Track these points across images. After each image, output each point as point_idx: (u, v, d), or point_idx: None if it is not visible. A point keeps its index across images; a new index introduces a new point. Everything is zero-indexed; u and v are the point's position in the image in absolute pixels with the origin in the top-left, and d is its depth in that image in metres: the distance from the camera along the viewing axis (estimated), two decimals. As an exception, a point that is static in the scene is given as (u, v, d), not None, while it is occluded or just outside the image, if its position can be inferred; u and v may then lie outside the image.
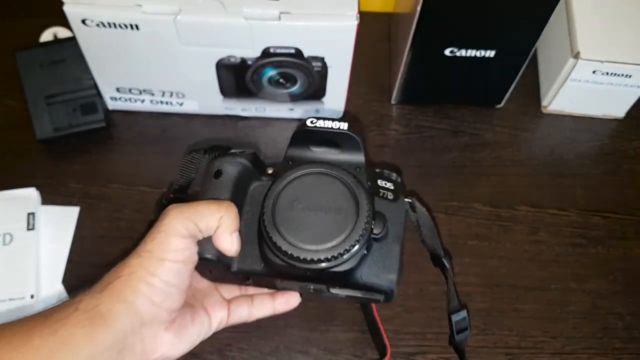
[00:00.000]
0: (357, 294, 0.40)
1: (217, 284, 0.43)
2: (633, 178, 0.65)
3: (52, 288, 0.56)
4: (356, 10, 0.52)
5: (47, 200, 0.60)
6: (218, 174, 0.40)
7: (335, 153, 0.40)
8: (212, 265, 0.39)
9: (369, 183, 0.40)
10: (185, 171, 0.43)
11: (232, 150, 0.42)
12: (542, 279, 0.59)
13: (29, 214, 0.58)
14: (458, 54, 0.59)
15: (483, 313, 0.57)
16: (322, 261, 0.36)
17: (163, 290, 0.35)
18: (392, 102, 0.68)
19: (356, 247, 0.37)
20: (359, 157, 0.40)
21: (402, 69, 0.62)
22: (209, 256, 0.39)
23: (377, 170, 0.42)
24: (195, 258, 0.37)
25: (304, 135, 0.39)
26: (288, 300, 0.43)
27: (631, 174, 0.65)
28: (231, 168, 0.40)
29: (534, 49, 0.59)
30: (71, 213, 0.60)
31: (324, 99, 0.62)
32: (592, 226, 0.62)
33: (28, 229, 0.58)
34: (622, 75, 0.61)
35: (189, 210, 0.37)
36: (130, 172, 0.62)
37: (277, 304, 0.43)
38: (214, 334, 0.45)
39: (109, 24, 0.52)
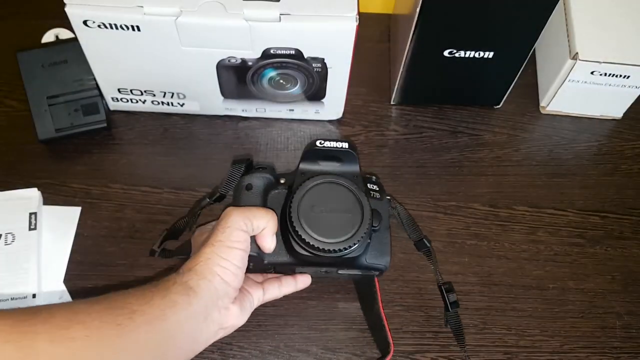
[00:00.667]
0: (359, 272, 0.52)
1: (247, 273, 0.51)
2: (631, 178, 0.66)
3: (53, 287, 0.57)
4: (356, 12, 0.52)
5: (48, 200, 0.61)
6: (249, 187, 0.50)
7: (337, 165, 0.50)
8: (253, 260, 0.49)
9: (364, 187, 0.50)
10: (230, 180, 0.52)
11: (257, 166, 0.52)
12: (540, 279, 0.60)
13: (30, 214, 0.59)
14: (457, 55, 0.59)
15: (482, 312, 0.58)
16: (340, 251, 0.47)
17: (231, 272, 0.44)
18: (392, 102, 0.68)
19: (363, 239, 0.47)
20: (355, 168, 0.50)
21: (401, 69, 0.62)
22: (252, 253, 0.48)
23: (366, 175, 0.52)
24: (249, 248, 0.47)
25: (314, 153, 0.50)
26: (305, 280, 0.54)
27: (629, 174, 0.66)
28: (258, 182, 0.51)
29: (532, 50, 0.59)
30: (73, 213, 0.60)
31: (324, 100, 0.62)
32: (590, 226, 0.63)
33: (30, 229, 0.58)
34: (620, 76, 0.61)
35: (247, 212, 0.46)
36: (132, 172, 0.63)
37: (299, 282, 0.53)
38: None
39: (110, 25, 0.53)
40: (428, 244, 0.55)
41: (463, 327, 0.55)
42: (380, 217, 0.49)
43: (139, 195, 0.62)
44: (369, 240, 0.49)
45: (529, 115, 0.69)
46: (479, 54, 0.59)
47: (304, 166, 0.50)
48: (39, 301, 0.55)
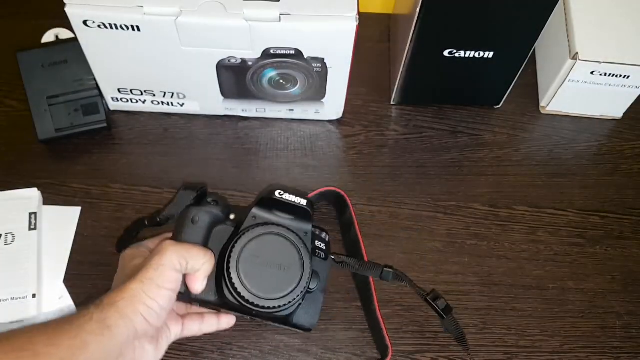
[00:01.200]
0: (285, 327, 0.50)
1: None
2: (631, 178, 0.66)
3: (53, 287, 0.57)
4: (356, 12, 0.52)
5: (48, 200, 0.61)
6: (194, 220, 0.48)
7: (290, 219, 0.48)
8: (178, 295, 0.46)
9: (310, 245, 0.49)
10: (177, 205, 0.49)
11: (208, 199, 0.49)
12: (540, 279, 0.60)
13: (30, 214, 0.59)
14: (457, 54, 0.59)
15: (482, 312, 0.58)
16: (270, 308, 0.46)
17: (156, 313, 0.42)
18: (392, 102, 0.68)
19: (296, 300, 0.46)
20: (307, 226, 0.49)
21: (401, 69, 0.62)
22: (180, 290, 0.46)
23: (314, 231, 0.50)
24: (179, 288, 0.45)
25: (270, 201, 0.48)
26: (229, 321, 0.52)
27: (629, 174, 0.66)
28: (205, 216, 0.48)
29: (532, 50, 0.59)
30: (73, 213, 0.60)
31: (324, 100, 0.62)
32: (590, 226, 0.63)
33: (30, 229, 0.58)
34: (620, 76, 0.61)
35: (185, 251, 0.44)
36: (132, 172, 0.63)
37: (222, 323, 0.51)
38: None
39: (110, 25, 0.53)
40: (391, 270, 0.54)
41: (463, 329, 0.55)
42: (318, 278, 0.48)
43: (139, 195, 0.62)
44: (300, 301, 0.47)
45: (529, 115, 0.69)
46: (479, 54, 0.59)
47: (257, 211, 0.48)
48: (38, 301, 0.55)
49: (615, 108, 0.67)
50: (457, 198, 0.63)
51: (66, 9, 0.52)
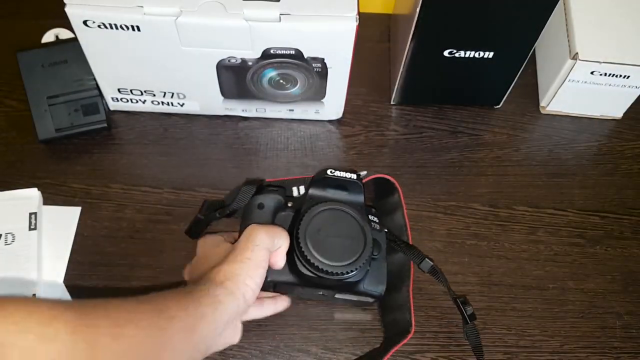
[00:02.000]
0: (355, 297, 0.53)
1: None
2: (631, 178, 0.66)
3: (53, 287, 0.57)
4: (356, 12, 0.52)
5: (48, 200, 0.61)
6: (261, 206, 0.52)
7: (343, 194, 0.52)
8: None
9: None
10: (241, 199, 0.53)
11: (269, 187, 0.54)
12: (540, 279, 0.60)
13: (30, 214, 0.59)
14: (457, 55, 0.59)
15: (482, 312, 0.58)
16: (341, 274, 0.48)
17: (253, 290, 0.45)
18: (392, 102, 0.68)
19: (364, 265, 0.49)
20: (360, 199, 0.52)
21: (401, 69, 0.62)
22: None
23: (367, 207, 0.54)
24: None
25: (323, 181, 0.52)
26: (284, 303, 0.55)
27: (629, 174, 0.66)
28: (269, 201, 0.53)
29: (532, 50, 0.59)
30: (73, 213, 0.60)
31: (324, 100, 0.62)
32: (590, 226, 0.63)
33: (30, 229, 0.58)
34: (620, 76, 0.61)
35: (271, 231, 0.48)
36: (132, 172, 0.63)
37: (278, 305, 0.54)
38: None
39: (110, 25, 0.53)
40: (431, 262, 0.54)
41: (482, 342, 0.54)
42: (379, 246, 0.52)
43: (139, 195, 0.62)
44: (368, 268, 0.51)
45: (529, 115, 0.69)
46: (479, 54, 0.59)
47: (313, 192, 0.52)
48: (39, 301, 0.55)
49: (615, 108, 0.67)
50: (457, 198, 0.63)
51: (66, 9, 0.52)
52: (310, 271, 0.49)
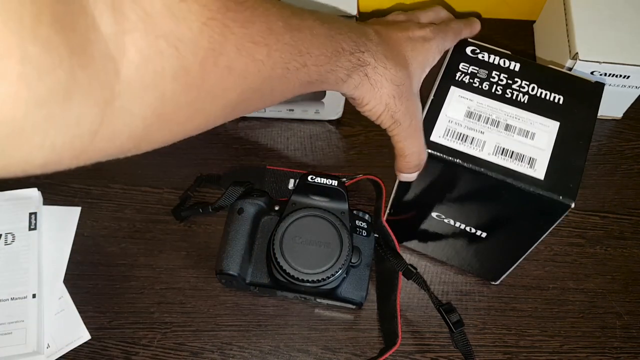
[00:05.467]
0: (336, 303, 0.55)
1: None
2: (631, 178, 0.66)
3: (53, 287, 0.57)
4: (356, 12, 0.52)
5: (48, 200, 0.61)
6: (240, 211, 0.54)
7: (326, 201, 0.52)
8: (234, 280, 0.53)
9: (350, 224, 0.52)
10: (226, 199, 0.55)
11: (254, 192, 0.55)
12: (540, 279, 0.60)
13: (30, 214, 0.59)
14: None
15: (482, 312, 0.58)
16: (314, 282, 0.50)
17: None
18: (392, 102, 0.68)
19: (338, 273, 0.50)
20: (343, 205, 0.52)
21: (401, 69, 0.62)
22: (232, 272, 0.52)
23: (355, 212, 0.55)
24: None
25: (305, 187, 0.53)
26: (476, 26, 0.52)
27: (629, 174, 0.66)
28: (250, 207, 0.54)
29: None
30: (73, 213, 0.60)
31: (324, 100, 0.62)
32: (590, 226, 0.63)
33: (30, 229, 0.58)
34: (620, 76, 0.61)
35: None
36: (132, 172, 0.63)
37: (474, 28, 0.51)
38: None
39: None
40: (413, 271, 0.54)
41: (472, 346, 0.54)
42: (360, 253, 0.52)
43: (139, 195, 0.62)
44: (345, 275, 0.51)
45: (529, 115, 0.69)
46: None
47: (295, 198, 0.53)
48: (38, 301, 0.55)
49: (615, 108, 0.67)
50: (457, 198, 0.63)
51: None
52: (282, 277, 0.50)
